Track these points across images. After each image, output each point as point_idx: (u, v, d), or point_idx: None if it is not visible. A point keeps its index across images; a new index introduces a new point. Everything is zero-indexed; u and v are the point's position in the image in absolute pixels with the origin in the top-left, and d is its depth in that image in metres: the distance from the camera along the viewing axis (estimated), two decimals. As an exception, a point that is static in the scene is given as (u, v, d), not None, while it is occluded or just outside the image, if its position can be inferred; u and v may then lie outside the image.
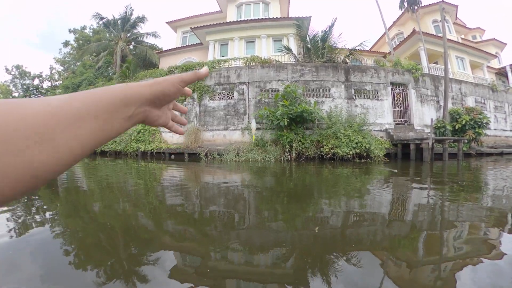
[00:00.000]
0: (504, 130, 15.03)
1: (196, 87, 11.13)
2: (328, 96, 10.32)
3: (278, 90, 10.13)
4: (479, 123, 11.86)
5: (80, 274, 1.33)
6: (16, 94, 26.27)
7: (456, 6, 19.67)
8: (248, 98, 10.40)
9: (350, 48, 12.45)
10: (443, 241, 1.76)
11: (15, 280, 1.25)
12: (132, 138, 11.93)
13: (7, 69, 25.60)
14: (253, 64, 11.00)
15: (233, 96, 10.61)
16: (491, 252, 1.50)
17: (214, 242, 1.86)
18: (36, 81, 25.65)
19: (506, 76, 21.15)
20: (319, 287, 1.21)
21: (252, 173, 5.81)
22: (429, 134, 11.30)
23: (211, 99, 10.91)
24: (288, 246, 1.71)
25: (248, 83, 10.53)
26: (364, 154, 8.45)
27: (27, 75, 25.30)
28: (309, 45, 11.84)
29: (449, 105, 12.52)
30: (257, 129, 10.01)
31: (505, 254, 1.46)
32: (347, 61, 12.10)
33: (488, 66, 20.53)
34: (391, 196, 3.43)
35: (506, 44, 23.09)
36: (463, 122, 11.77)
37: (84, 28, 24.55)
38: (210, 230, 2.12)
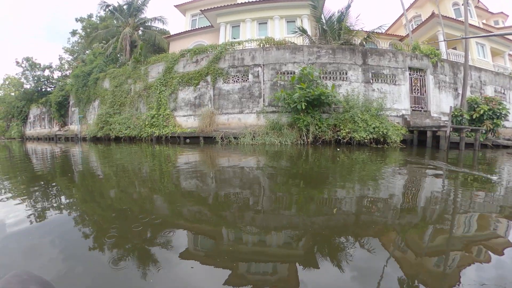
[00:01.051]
0: (523, 121, 14.75)
1: (210, 70, 11.11)
2: (345, 79, 10.23)
3: (294, 73, 10.05)
4: (498, 114, 11.62)
5: (97, 256, 1.36)
6: (27, 86, 26.60)
7: (480, -11, 18.80)
8: (264, 80, 10.36)
9: (367, 30, 12.17)
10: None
11: (37, 261, 1.30)
12: (146, 123, 12.07)
13: (17, 62, 25.77)
14: (268, 46, 10.87)
15: (248, 79, 10.57)
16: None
17: (243, 221, 1.98)
18: (46, 72, 25.78)
19: (528, 65, 20.46)
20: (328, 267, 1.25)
21: (276, 157, 5.91)
22: (446, 122, 11.20)
23: (225, 82, 10.90)
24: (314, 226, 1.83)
25: (263, 65, 10.45)
26: (381, 140, 8.48)
27: (37, 66, 25.39)
28: (325, 27, 11.59)
29: (468, 93, 12.28)
30: (273, 112, 10.05)
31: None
32: (364, 44, 11.86)
33: (509, 54, 19.86)
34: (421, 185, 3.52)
35: (530, 30, 22.13)
36: (481, 112, 11.55)
37: (90, 16, 24.32)
38: (240, 211, 2.25)
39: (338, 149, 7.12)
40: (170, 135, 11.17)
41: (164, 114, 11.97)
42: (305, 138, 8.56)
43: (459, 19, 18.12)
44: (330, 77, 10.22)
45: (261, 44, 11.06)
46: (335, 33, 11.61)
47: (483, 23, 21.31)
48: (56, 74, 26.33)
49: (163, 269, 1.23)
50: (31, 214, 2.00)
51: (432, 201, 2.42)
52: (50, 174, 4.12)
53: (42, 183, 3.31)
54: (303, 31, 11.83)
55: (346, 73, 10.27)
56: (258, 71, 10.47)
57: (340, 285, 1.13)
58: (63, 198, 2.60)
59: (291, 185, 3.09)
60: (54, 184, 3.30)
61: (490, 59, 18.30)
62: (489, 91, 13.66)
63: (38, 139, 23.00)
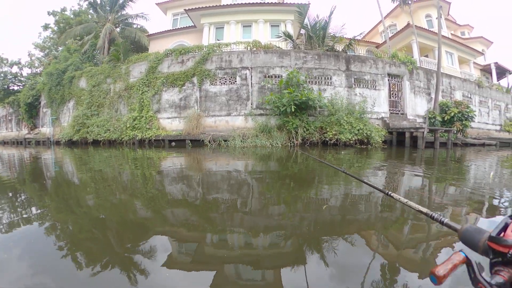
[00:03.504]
0: (487, 123, 16.56)
1: (196, 71, 11.19)
2: (329, 84, 10.88)
3: (281, 76, 10.50)
4: (466, 116, 13.02)
5: (73, 269, 1.29)
6: None
7: (450, 3, 20.88)
8: (252, 83, 10.68)
9: (349, 38, 13.04)
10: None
11: (4, 280, 1.20)
12: (128, 125, 11.72)
13: None
14: (255, 49, 11.24)
15: (236, 81, 10.83)
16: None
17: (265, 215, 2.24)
18: (14, 69, 24.01)
19: (490, 73, 22.97)
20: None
21: (274, 160, 6.15)
22: (421, 123, 12.32)
23: (212, 83, 11.05)
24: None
25: (251, 68, 10.78)
26: (365, 140, 9.15)
27: (4, 62, 23.54)
28: (310, 33, 12.24)
29: (439, 98, 13.60)
30: (260, 114, 10.37)
31: None
32: (346, 50, 12.69)
33: (474, 63, 22.12)
34: (408, 178, 4.00)
35: (492, 42, 24.91)
36: (452, 114, 12.88)
37: (64, 10, 23.05)
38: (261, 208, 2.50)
39: (343, 152, 7.42)
40: (154, 138, 11.00)
41: (147, 116, 11.76)
42: (294, 140, 8.97)
43: (431, 29, 19.95)
44: (316, 82, 10.81)
45: (249, 47, 11.39)
46: (319, 39, 12.30)
47: (451, 34, 23.59)
48: (26, 72, 24.59)
49: (146, 277, 1.23)
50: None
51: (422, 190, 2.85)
52: (19, 183, 3.80)
53: (10, 193, 3.04)
54: (289, 37, 12.38)
55: (330, 78, 10.93)
56: (246, 73, 10.77)
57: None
58: (34, 209, 2.40)
59: (306, 182, 3.38)
60: (24, 194, 3.07)
61: (458, 67, 20.29)
62: (458, 96, 15.20)
63: (4, 143, 21.25)
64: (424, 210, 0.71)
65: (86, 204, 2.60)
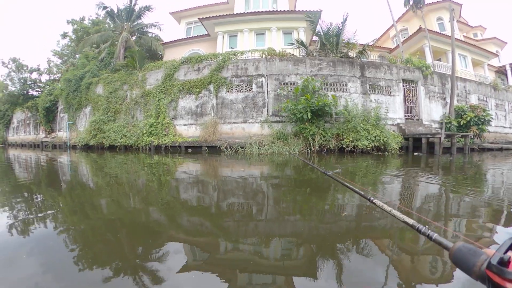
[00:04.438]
0: (504, 127, 16.30)
1: (212, 79, 11.52)
2: (345, 90, 11.02)
3: (297, 84, 10.71)
4: (483, 120, 12.92)
5: (85, 272, 1.33)
6: (12, 89, 25.77)
7: (461, 5, 20.79)
8: (267, 91, 10.92)
9: (362, 44, 13.18)
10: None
11: (16, 279, 1.25)
12: (144, 131, 12.11)
13: (3, 63, 25.13)
14: (269, 57, 11.51)
15: (252, 89, 11.09)
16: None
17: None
18: (34, 75, 25.35)
19: (506, 75, 22.60)
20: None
21: (298, 168, 6.35)
22: (437, 129, 12.29)
23: (228, 91, 11.34)
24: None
25: (266, 75, 11.04)
26: (382, 147, 9.23)
27: (24, 68, 24.76)
28: (324, 40, 12.44)
29: (455, 102, 13.54)
30: (276, 122, 10.58)
31: None
32: (360, 57, 12.83)
33: (488, 64, 21.85)
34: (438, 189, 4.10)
35: (506, 43, 24.56)
36: (468, 119, 12.78)
37: (83, 19, 24.19)
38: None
39: (349, 157, 7.63)
40: (171, 144, 11.33)
41: (164, 123, 12.12)
42: (311, 147, 9.13)
43: (443, 32, 19.88)
44: (331, 88, 10.97)
45: (263, 55, 11.67)
46: (333, 46, 12.48)
47: (463, 36, 23.41)
48: (44, 78, 25.74)
49: (159, 283, 1.27)
50: (13, 227, 1.96)
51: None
52: (36, 185, 4.07)
53: (27, 194, 3.27)
54: (302, 44, 12.61)
55: (346, 85, 11.07)
56: (261, 81, 11.03)
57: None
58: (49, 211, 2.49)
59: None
60: (40, 195, 3.25)
61: (472, 69, 20.09)
62: (473, 99, 15.07)
63: (22, 145, 22.19)
64: (410, 221, 0.63)
65: (101, 208, 2.69)
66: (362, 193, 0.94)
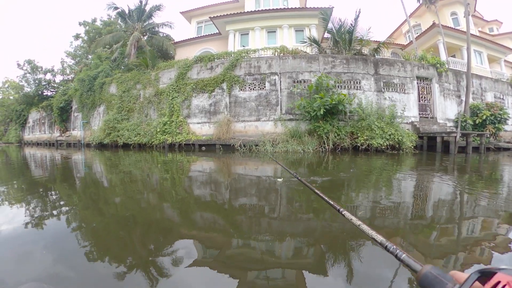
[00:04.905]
0: (521, 125, 15.93)
1: (225, 77, 11.67)
2: (359, 88, 11.01)
3: (310, 81, 10.76)
4: (499, 119, 12.69)
5: (96, 265, 1.40)
6: (28, 89, 26.76)
7: (476, -1, 20.31)
8: (281, 89, 11.01)
9: (375, 41, 13.09)
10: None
11: (30, 273, 1.29)
12: (158, 130, 12.36)
13: (18, 65, 26.15)
14: (282, 54, 11.57)
15: (265, 87, 11.20)
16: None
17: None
18: (48, 76, 26.33)
19: (523, 71, 22.00)
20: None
21: (315, 165, 6.46)
22: (452, 128, 12.16)
23: (241, 89, 11.48)
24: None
25: (280, 73, 11.12)
26: (397, 146, 9.23)
27: (39, 69, 25.69)
28: (336, 37, 12.42)
29: (470, 100, 13.32)
30: (290, 120, 10.67)
31: None
32: (374, 54, 12.75)
33: (505, 60, 21.33)
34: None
35: (523, 38, 23.85)
36: (484, 117, 12.56)
37: (94, 20, 24.79)
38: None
39: (363, 156, 7.64)
40: (184, 142, 11.56)
41: (177, 121, 12.34)
42: (325, 145, 9.20)
43: (458, 28, 19.49)
44: (345, 86, 10.98)
45: (276, 53, 11.74)
46: (345, 43, 12.45)
47: (479, 31, 22.87)
48: (58, 78, 26.56)
49: (169, 278, 1.32)
50: (31, 221, 2.06)
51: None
52: (52, 181, 4.25)
53: (42, 190, 3.41)
54: (315, 42, 12.62)
55: (359, 82, 11.06)
56: (275, 79, 11.12)
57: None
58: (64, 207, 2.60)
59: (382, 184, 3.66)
60: (55, 191, 3.40)
61: (487, 66, 19.66)
62: (489, 97, 14.78)
63: (37, 144, 22.98)
64: (379, 238, 0.59)
65: (115, 204, 2.80)
66: (332, 203, 0.86)
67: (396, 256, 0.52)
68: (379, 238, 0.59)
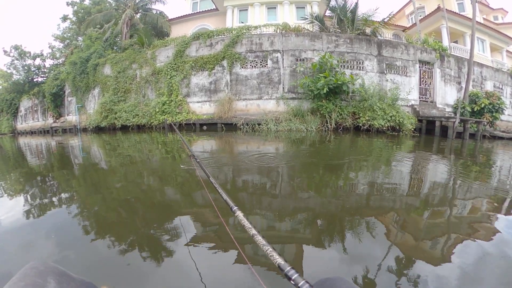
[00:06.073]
0: (517, 116, 16.36)
1: (226, 55, 11.47)
2: (361, 69, 11.05)
3: (313, 60, 10.69)
4: (497, 108, 13.05)
5: (100, 247, 1.48)
6: (17, 77, 25.56)
7: (483, -16, 20.08)
8: (283, 66, 10.95)
9: (377, 21, 12.95)
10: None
11: (35, 257, 1.34)
12: (157, 110, 12.08)
13: (5, 51, 24.67)
14: (285, 32, 11.39)
15: (267, 64, 11.09)
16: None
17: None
18: (37, 61, 25.13)
19: (524, 62, 22.25)
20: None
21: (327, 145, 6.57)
22: (450, 113, 12.44)
23: (242, 67, 11.34)
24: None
25: (282, 51, 11.00)
26: (397, 127, 9.45)
27: (27, 55, 24.44)
28: (341, 16, 12.27)
29: (470, 87, 13.54)
30: (292, 98, 10.71)
31: None
32: (377, 34, 12.70)
33: (507, 51, 21.49)
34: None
35: (528, 28, 23.90)
36: (482, 105, 12.88)
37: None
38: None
39: (365, 136, 7.79)
40: (185, 122, 11.45)
41: (177, 100, 12.11)
42: (327, 124, 9.34)
43: (462, 13, 19.39)
44: (348, 66, 10.99)
45: (278, 30, 11.55)
46: (349, 22, 12.32)
47: (483, 18, 22.80)
48: (48, 63, 25.49)
49: (171, 255, 1.40)
50: (34, 207, 2.14)
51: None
52: (50, 168, 4.31)
53: (40, 177, 3.47)
54: (318, 19, 12.43)
55: (362, 63, 11.08)
56: (277, 57, 11.02)
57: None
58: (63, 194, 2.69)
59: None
60: (55, 178, 3.46)
61: (489, 54, 19.81)
62: (489, 86, 15.04)
63: (31, 133, 22.37)
64: (273, 255, 0.56)
65: (116, 188, 2.92)
66: (227, 199, 0.83)
67: (285, 274, 0.50)
68: (275, 254, 0.55)
